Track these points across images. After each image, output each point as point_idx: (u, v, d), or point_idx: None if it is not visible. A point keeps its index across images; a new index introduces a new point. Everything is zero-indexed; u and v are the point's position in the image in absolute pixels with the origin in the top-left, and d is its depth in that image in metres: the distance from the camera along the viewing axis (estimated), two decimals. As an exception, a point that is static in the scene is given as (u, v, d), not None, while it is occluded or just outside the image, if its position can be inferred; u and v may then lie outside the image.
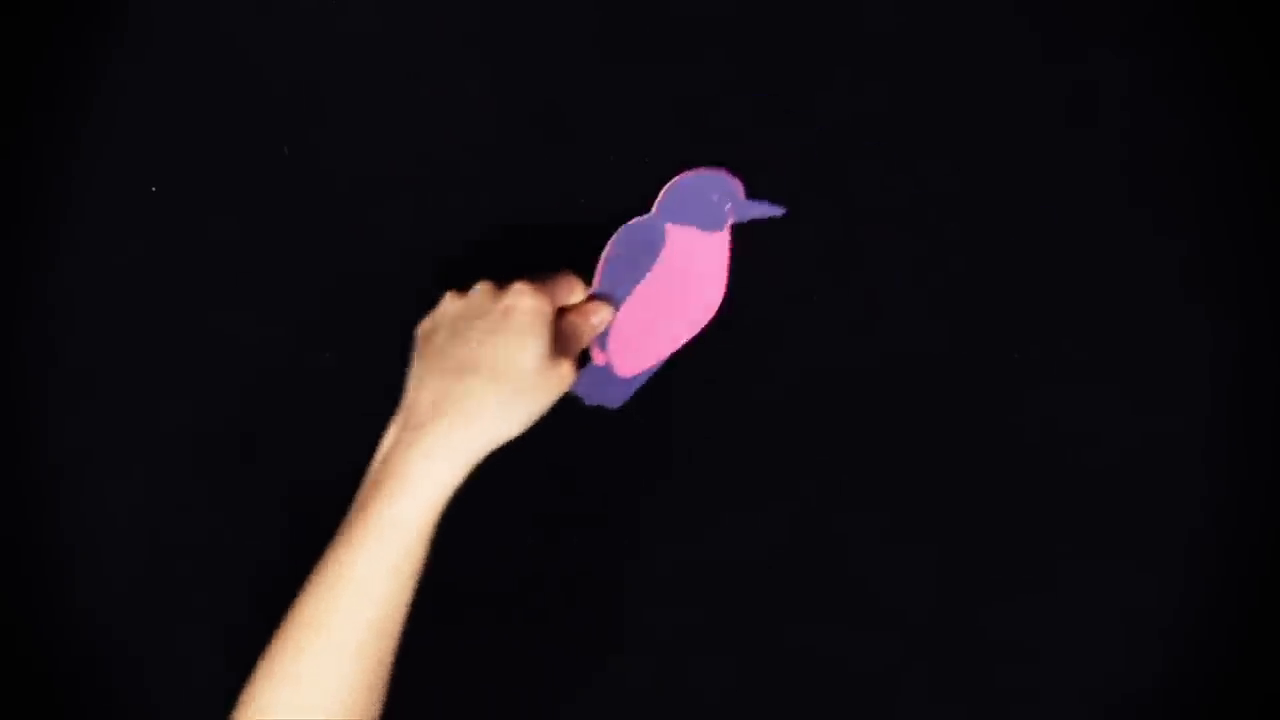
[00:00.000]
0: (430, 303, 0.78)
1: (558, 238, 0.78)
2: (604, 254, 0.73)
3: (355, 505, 0.63)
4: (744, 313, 0.78)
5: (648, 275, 0.73)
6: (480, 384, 0.64)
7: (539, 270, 0.70)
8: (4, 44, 0.77)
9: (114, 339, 0.77)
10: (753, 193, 0.73)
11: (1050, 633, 0.78)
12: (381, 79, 0.78)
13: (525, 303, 0.66)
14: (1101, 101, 0.78)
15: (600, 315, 0.72)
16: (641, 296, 0.73)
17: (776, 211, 0.73)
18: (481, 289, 0.67)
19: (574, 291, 0.71)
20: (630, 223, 0.73)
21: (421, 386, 0.65)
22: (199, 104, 0.78)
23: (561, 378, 0.66)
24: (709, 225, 0.73)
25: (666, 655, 0.78)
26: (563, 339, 0.68)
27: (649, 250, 0.73)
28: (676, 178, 0.73)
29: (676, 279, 0.73)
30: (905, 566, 0.78)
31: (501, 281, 0.67)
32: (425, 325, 0.68)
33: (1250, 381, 0.78)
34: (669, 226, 0.73)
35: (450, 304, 0.68)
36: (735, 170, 0.73)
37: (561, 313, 0.70)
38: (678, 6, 0.78)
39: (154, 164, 0.78)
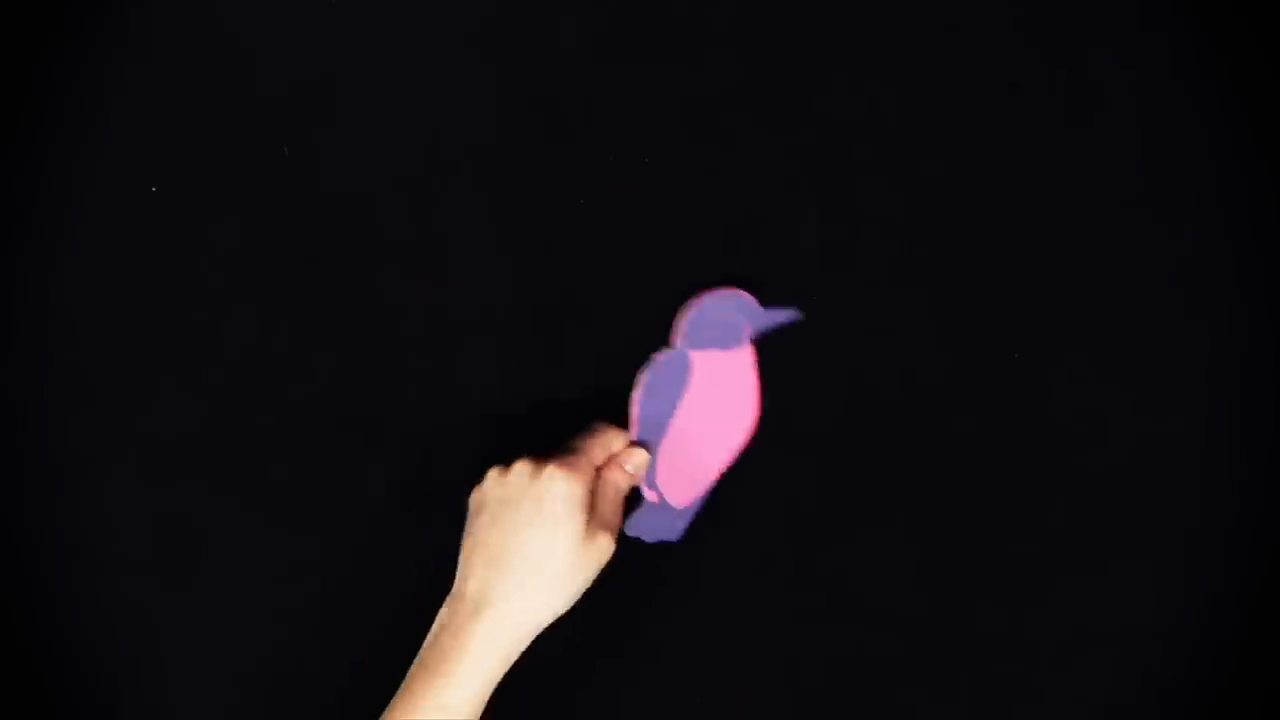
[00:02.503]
0: (432, 305, 0.78)
1: (559, 239, 0.78)
2: (634, 395, 0.74)
3: (405, 686, 0.66)
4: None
5: (680, 405, 0.74)
6: (519, 577, 0.67)
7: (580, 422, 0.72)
8: (4, 44, 0.77)
9: (114, 339, 0.77)
10: (765, 299, 0.74)
11: (1050, 632, 0.78)
12: (382, 79, 0.78)
13: (557, 489, 0.67)
14: (1101, 101, 0.78)
15: (635, 461, 0.73)
16: (679, 427, 0.74)
17: (793, 316, 0.74)
18: (518, 470, 0.69)
19: (611, 445, 0.72)
20: (655, 358, 0.74)
21: (467, 575, 0.68)
22: (199, 104, 0.78)
23: (600, 551, 0.68)
24: (730, 344, 0.74)
25: (666, 655, 0.78)
26: (603, 498, 0.70)
27: (678, 380, 0.74)
28: (691, 306, 0.74)
29: (710, 403, 0.74)
30: (905, 566, 0.78)
31: (540, 455, 0.69)
32: (473, 500, 0.70)
33: (1250, 381, 0.78)
34: (693, 354, 0.74)
35: (491, 486, 0.69)
36: (747, 286, 0.74)
37: (600, 473, 0.71)
38: (679, 7, 0.79)
39: (154, 164, 0.78)
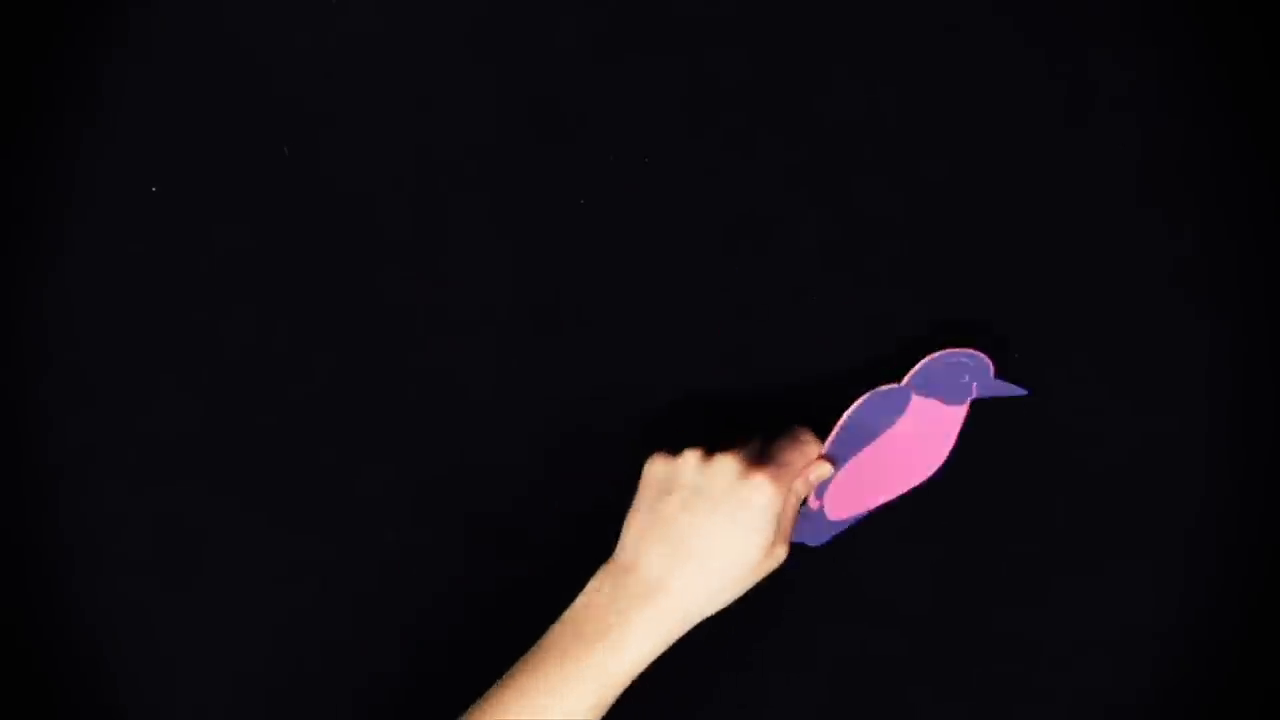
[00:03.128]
0: (432, 305, 0.78)
1: (558, 240, 0.78)
2: (846, 413, 0.74)
3: (550, 648, 0.66)
4: (742, 312, 0.78)
5: (881, 437, 0.74)
6: (702, 569, 0.67)
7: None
8: (4, 44, 0.77)
9: (114, 339, 0.77)
10: (1000, 370, 0.74)
11: (1050, 632, 0.78)
12: (382, 79, 0.78)
13: (762, 498, 0.68)
14: (1101, 101, 0.78)
15: (819, 473, 0.73)
16: (869, 454, 0.75)
17: (1020, 392, 0.75)
18: (725, 463, 0.69)
19: (809, 455, 0.73)
20: (880, 389, 0.74)
21: (645, 550, 0.68)
22: (199, 104, 0.78)
23: (776, 560, 0.69)
24: (953, 399, 0.75)
25: (666, 655, 0.78)
26: (789, 515, 0.71)
27: (890, 415, 0.74)
28: (936, 354, 0.74)
29: (908, 443, 0.75)
30: (905, 566, 0.78)
31: (749, 456, 0.69)
32: (656, 471, 0.70)
33: (1250, 381, 0.78)
34: (915, 397, 0.74)
35: (690, 471, 0.69)
36: (986, 349, 0.74)
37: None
38: (679, 6, 0.78)
39: (154, 164, 0.78)
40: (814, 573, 0.78)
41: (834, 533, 0.76)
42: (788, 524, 0.71)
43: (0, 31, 0.77)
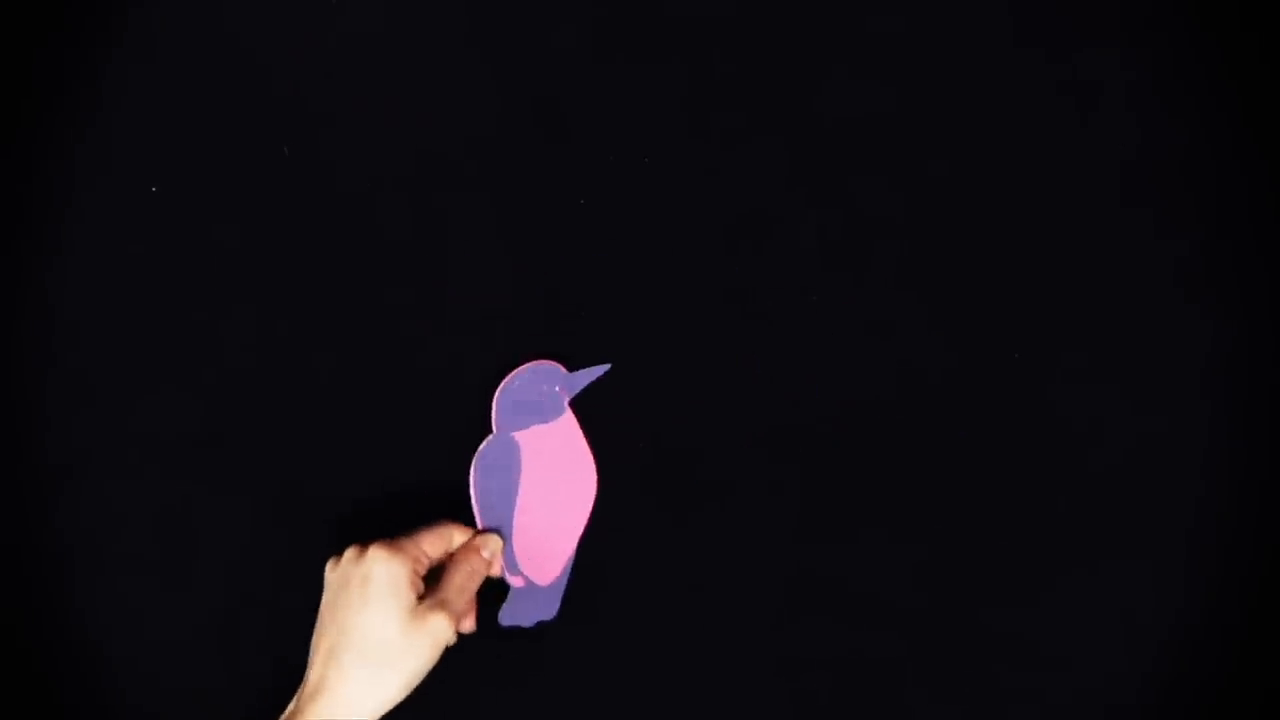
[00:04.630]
0: (432, 305, 0.78)
1: (558, 240, 0.78)
2: (471, 491, 0.74)
3: None
4: (743, 312, 0.78)
5: (520, 487, 0.74)
6: (349, 661, 0.66)
7: None
8: (4, 44, 0.77)
9: (114, 339, 0.77)
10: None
11: (1050, 632, 0.78)
12: (382, 79, 0.78)
13: (379, 571, 0.67)
14: (1101, 101, 0.78)
15: (489, 547, 0.73)
16: (525, 508, 0.74)
17: (602, 370, 0.75)
18: (347, 555, 0.69)
19: (449, 539, 0.72)
20: (479, 450, 0.74)
21: (311, 662, 0.68)
22: (199, 104, 0.78)
23: (432, 633, 0.67)
24: (550, 415, 0.75)
25: (667, 655, 0.78)
26: (449, 582, 0.69)
27: (510, 464, 0.74)
28: (500, 388, 0.74)
29: (548, 476, 0.75)
30: (905, 566, 0.78)
31: (367, 542, 0.69)
32: (325, 579, 0.70)
33: (1250, 381, 0.78)
34: (516, 436, 0.74)
35: (330, 571, 0.70)
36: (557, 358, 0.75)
37: (451, 559, 0.71)
38: (679, 7, 0.79)
39: (154, 164, 0.78)
40: (813, 573, 0.78)
41: (559, 595, 0.75)
42: (452, 596, 0.69)
43: (0, 31, 0.77)
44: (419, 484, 0.78)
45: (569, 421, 0.75)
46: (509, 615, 0.75)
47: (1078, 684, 0.78)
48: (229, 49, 0.78)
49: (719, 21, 0.78)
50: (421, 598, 0.68)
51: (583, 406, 0.77)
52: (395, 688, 0.66)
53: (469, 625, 0.72)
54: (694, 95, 0.78)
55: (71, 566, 0.77)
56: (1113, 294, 0.78)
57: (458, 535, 0.73)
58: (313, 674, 0.67)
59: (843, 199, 0.78)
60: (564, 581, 0.76)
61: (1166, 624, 0.78)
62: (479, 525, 0.74)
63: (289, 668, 0.76)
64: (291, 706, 0.67)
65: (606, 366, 0.75)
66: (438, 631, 0.67)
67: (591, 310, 0.78)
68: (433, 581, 0.70)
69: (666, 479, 0.78)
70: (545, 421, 0.75)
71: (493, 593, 0.75)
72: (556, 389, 0.75)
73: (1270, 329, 0.78)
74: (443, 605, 0.68)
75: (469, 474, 0.74)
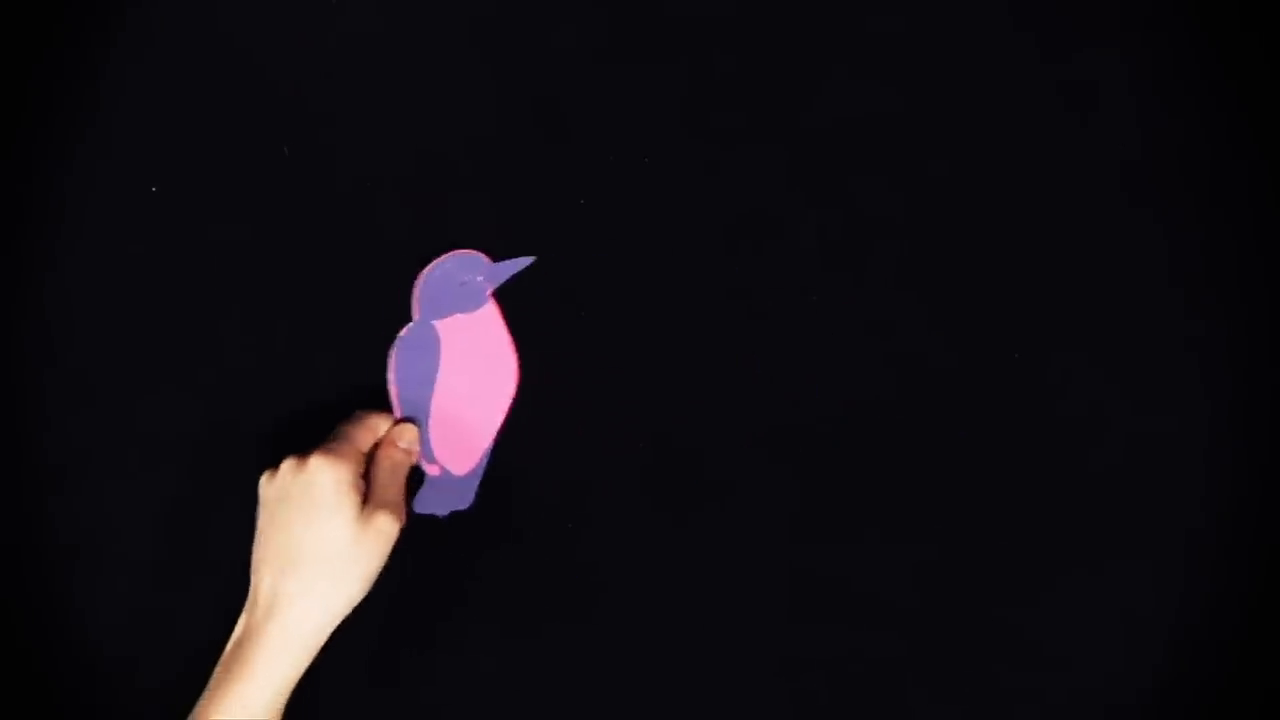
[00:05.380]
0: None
1: (558, 240, 0.78)
2: (389, 376, 0.74)
3: (209, 688, 0.67)
4: (743, 312, 0.78)
5: (438, 375, 0.74)
6: (303, 572, 0.67)
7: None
8: (4, 44, 0.77)
9: (114, 339, 0.77)
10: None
11: (1050, 632, 0.78)
12: (382, 79, 0.78)
13: (324, 479, 0.67)
14: (1101, 101, 0.78)
15: (406, 437, 0.73)
16: (442, 397, 0.74)
17: (526, 261, 0.74)
18: (285, 466, 0.69)
19: (377, 428, 0.72)
20: (400, 335, 0.74)
21: (258, 576, 0.68)
22: (199, 104, 0.78)
23: (381, 532, 0.68)
24: (472, 305, 0.74)
25: (666, 655, 0.78)
26: (379, 480, 0.70)
27: (429, 352, 0.74)
28: (421, 275, 0.74)
29: (468, 366, 0.75)
30: (905, 566, 0.78)
31: (305, 451, 0.69)
32: (260, 492, 0.70)
33: (1250, 381, 0.78)
34: (436, 324, 0.74)
35: (265, 486, 0.70)
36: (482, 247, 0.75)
37: (373, 453, 0.72)
38: (679, 7, 0.79)
39: (154, 164, 0.78)
40: (813, 573, 0.78)
41: (474, 486, 0.75)
42: (390, 494, 0.70)
43: (0, 31, 0.77)
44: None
45: (491, 313, 0.74)
46: (422, 504, 0.76)
47: (1078, 684, 0.78)
48: (228, 49, 0.78)
49: (719, 21, 0.78)
50: (365, 498, 0.69)
51: (583, 405, 0.77)
52: (356, 592, 0.67)
53: (401, 518, 0.71)
54: (694, 95, 0.78)
55: (71, 566, 0.77)
56: (1113, 294, 0.78)
57: (382, 424, 0.73)
58: (262, 591, 0.67)
59: (843, 199, 0.78)
60: (480, 472, 0.75)
61: (1166, 624, 0.78)
62: (396, 413, 0.74)
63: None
64: (240, 629, 0.67)
65: (531, 259, 0.74)
66: (386, 530, 0.68)
67: (591, 310, 0.78)
68: None
69: (666, 479, 0.78)
70: (467, 312, 0.74)
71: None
72: (479, 279, 0.74)
73: (1270, 329, 0.78)
74: (384, 504, 0.69)
75: (387, 360, 0.74)
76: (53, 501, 0.77)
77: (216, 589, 0.77)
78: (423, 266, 0.75)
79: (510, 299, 0.77)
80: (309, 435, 0.77)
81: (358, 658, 0.77)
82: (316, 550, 0.67)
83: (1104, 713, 0.78)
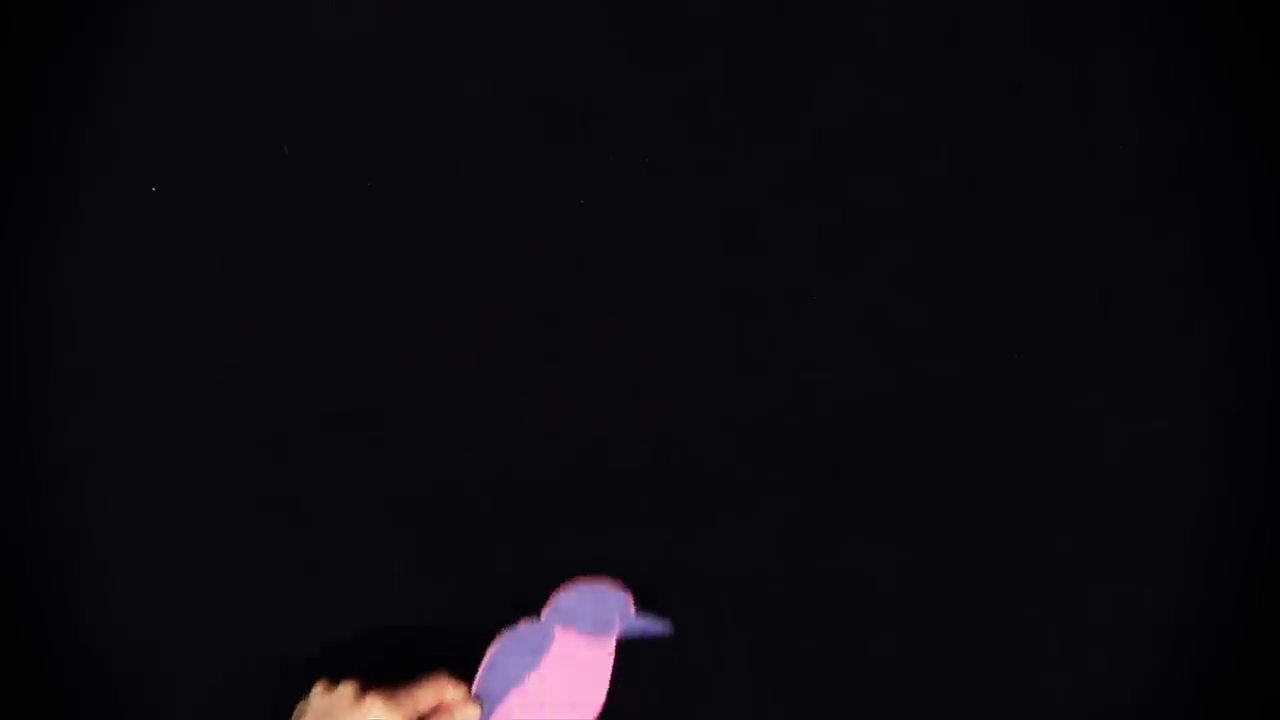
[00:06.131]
0: (432, 305, 0.78)
1: (558, 240, 0.78)
2: (488, 656, 0.73)
3: None
4: (743, 312, 0.78)
5: (530, 676, 0.73)
6: None
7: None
8: (4, 44, 0.77)
9: (114, 339, 0.77)
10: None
11: (1050, 632, 0.78)
12: (382, 79, 0.78)
13: (374, 716, 0.68)
14: (1101, 102, 0.78)
15: (466, 715, 0.72)
16: (522, 698, 0.73)
17: (661, 628, 0.74)
18: (343, 691, 0.69)
19: (443, 694, 0.72)
20: (518, 627, 0.73)
21: None
22: (199, 104, 0.78)
23: None
24: (598, 633, 0.73)
25: (666, 655, 0.78)
26: None
27: (534, 653, 0.73)
28: (571, 586, 0.73)
29: (559, 681, 0.73)
30: (905, 566, 0.78)
31: (368, 683, 0.69)
32: (299, 710, 0.70)
33: (1250, 381, 0.78)
34: (558, 629, 0.73)
35: (315, 699, 0.70)
36: (626, 581, 0.74)
37: (433, 713, 0.71)
38: (679, 7, 0.78)
39: (154, 164, 0.78)
40: (813, 573, 0.78)
41: None
42: None
43: (0, 31, 0.77)
44: (418, 482, 0.77)
45: (607, 650, 0.73)
46: None
47: (1078, 684, 0.78)
48: (229, 49, 0.78)
49: (720, 22, 0.78)
50: None
51: (583, 405, 0.77)
52: None
53: None
54: (694, 95, 0.78)
55: (73, 565, 0.77)
56: (1112, 294, 0.78)
57: (450, 691, 0.72)
58: None
59: (843, 199, 0.78)
60: None
61: (1166, 624, 0.78)
62: (475, 689, 0.73)
63: (289, 667, 0.76)
64: None
65: (668, 628, 0.74)
66: None
67: (592, 310, 0.78)
68: None
69: (667, 479, 0.78)
70: (589, 636, 0.73)
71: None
72: (617, 618, 0.73)
73: (1270, 329, 0.78)
74: None
75: (495, 638, 0.73)
76: (54, 501, 0.77)
77: (217, 588, 0.77)
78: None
79: (516, 297, 0.77)
80: (309, 436, 0.77)
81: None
82: None
83: (1104, 713, 0.78)
